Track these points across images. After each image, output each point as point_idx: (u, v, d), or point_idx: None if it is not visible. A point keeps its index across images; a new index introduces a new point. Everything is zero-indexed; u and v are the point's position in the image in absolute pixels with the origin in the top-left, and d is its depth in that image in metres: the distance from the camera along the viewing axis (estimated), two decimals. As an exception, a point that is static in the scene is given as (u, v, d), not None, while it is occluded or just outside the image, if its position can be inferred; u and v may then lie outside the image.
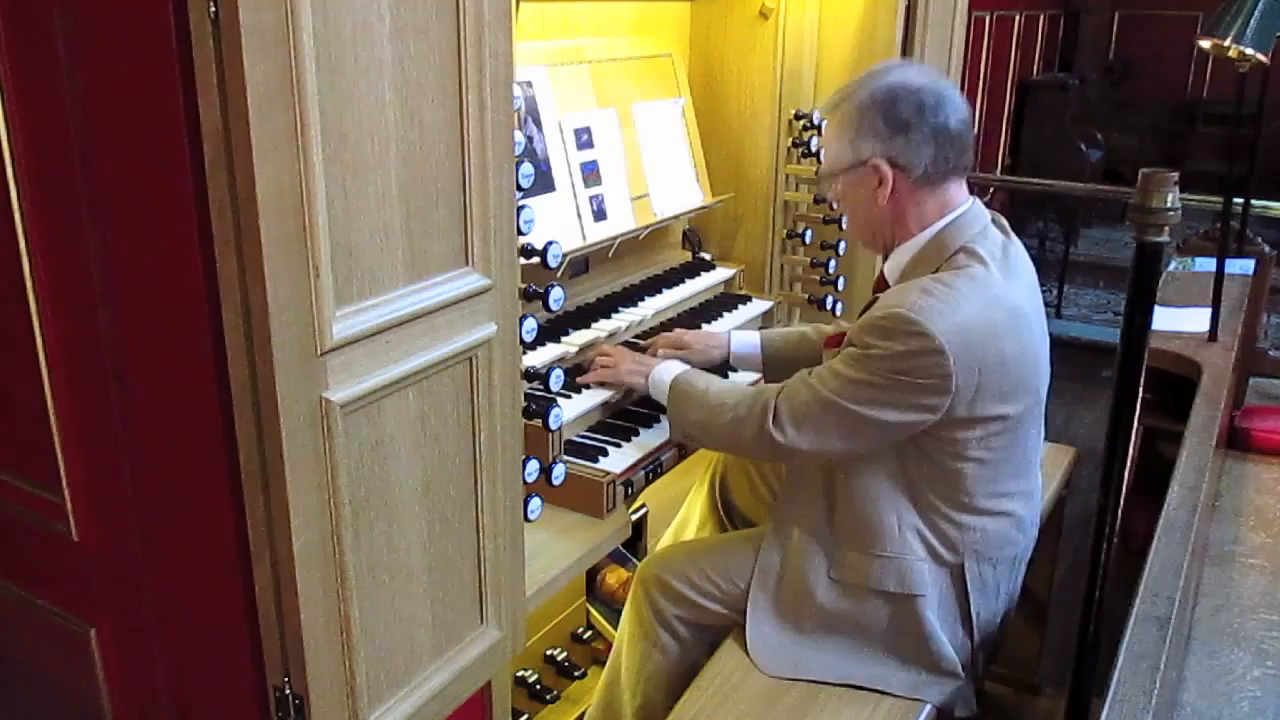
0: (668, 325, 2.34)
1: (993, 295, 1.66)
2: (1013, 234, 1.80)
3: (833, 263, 2.65)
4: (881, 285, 1.85)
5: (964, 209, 1.75)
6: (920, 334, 1.59)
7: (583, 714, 2.27)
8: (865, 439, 1.70)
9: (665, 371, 1.94)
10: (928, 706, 1.79)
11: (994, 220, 1.79)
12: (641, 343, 2.19)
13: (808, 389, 1.72)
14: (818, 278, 2.67)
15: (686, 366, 1.97)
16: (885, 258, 1.85)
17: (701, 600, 1.91)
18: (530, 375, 1.74)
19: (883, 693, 1.80)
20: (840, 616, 1.83)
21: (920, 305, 1.61)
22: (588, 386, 2.00)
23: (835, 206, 1.93)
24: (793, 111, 2.60)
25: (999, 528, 1.81)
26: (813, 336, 2.18)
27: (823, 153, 1.86)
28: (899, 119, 1.70)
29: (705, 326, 2.36)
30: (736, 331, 2.23)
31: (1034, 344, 1.74)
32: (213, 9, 1.01)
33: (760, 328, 2.53)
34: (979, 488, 1.76)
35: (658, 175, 2.44)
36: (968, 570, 1.80)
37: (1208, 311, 2.98)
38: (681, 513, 2.42)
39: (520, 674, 2.18)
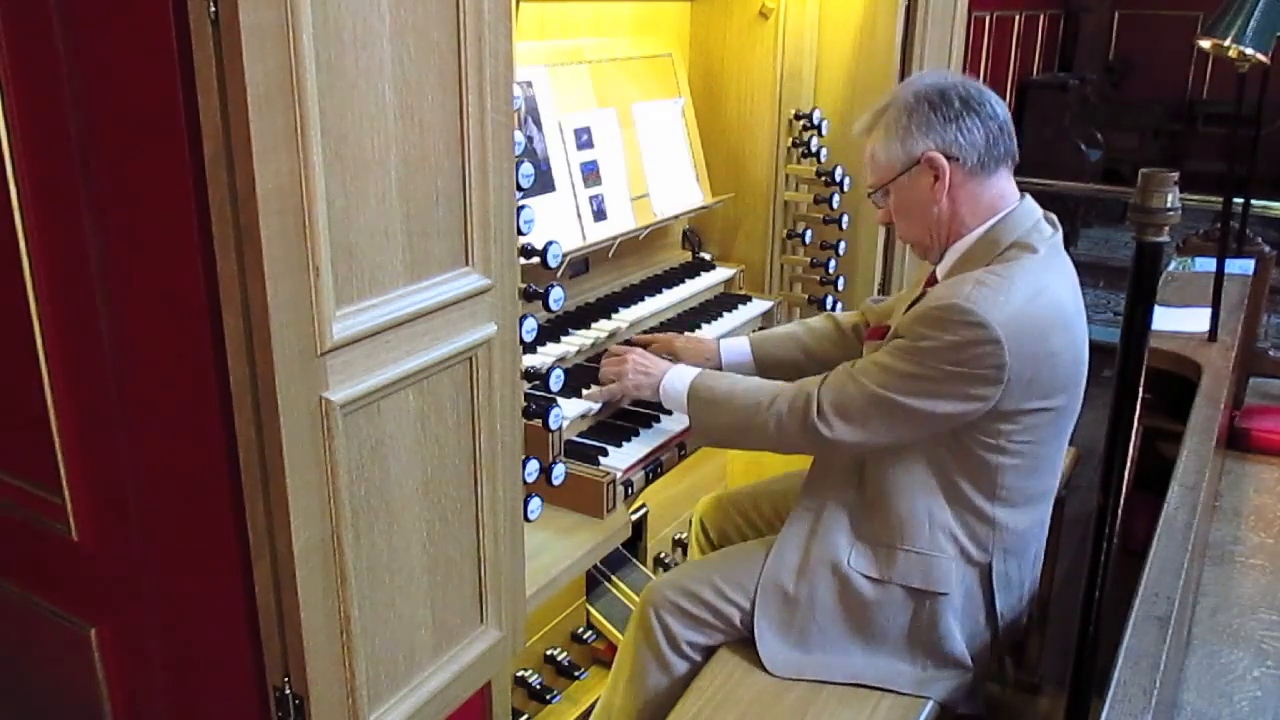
0: (668, 325, 2.34)
1: (1043, 286, 1.66)
2: (1060, 229, 1.79)
3: (833, 263, 2.65)
4: (932, 281, 1.83)
5: (1016, 205, 1.76)
6: (977, 324, 1.59)
7: (583, 713, 2.27)
8: (912, 430, 1.70)
9: (678, 380, 1.90)
10: (929, 704, 1.79)
11: (1045, 216, 1.79)
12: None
13: (854, 383, 1.70)
14: (818, 278, 2.67)
15: (696, 370, 1.93)
16: (939, 260, 1.82)
17: (713, 619, 1.86)
18: (530, 375, 1.74)
19: (885, 690, 1.80)
20: (855, 610, 1.81)
21: (975, 296, 1.61)
22: (587, 387, 2.00)
23: (889, 220, 1.87)
24: (793, 111, 2.60)
25: (1028, 525, 1.81)
26: (803, 335, 2.16)
27: (869, 167, 1.83)
28: (949, 109, 1.71)
29: (704, 327, 2.36)
30: (725, 340, 2.19)
31: (1078, 340, 1.73)
32: (213, 9, 1.01)
33: (760, 328, 2.54)
34: (1015, 482, 1.75)
35: (658, 175, 2.44)
36: (994, 569, 1.80)
37: (1208, 311, 2.97)
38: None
39: (520, 674, 2.17)
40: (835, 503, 1.84)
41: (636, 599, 2.25)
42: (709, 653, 1.89)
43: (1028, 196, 1.79)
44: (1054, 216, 1.81)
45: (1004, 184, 1.76)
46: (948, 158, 1.71)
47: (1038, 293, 1.64)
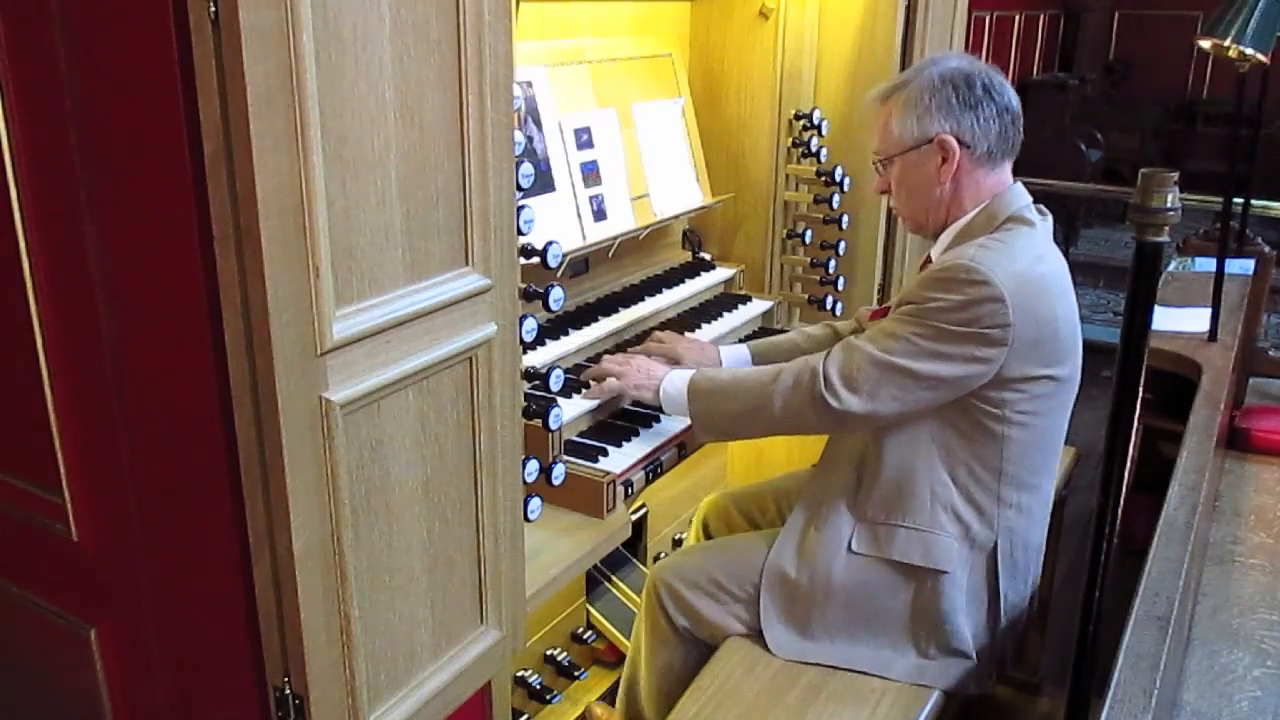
0: (668, 325, 2.34)
1: (1041, 253, 1.72)
2: (1050, 217, 1.84)
3: (833, 263, 2.65)
4: (929, 263, 1.85)
5: (1009, 187, 1.81)
6: (981, 282, 1.62)
7: (583, 714, 2.28)
8: (919, 398, 1.70)
9: (678, 379, 1.90)
10: (932, 698, 1.79)
11: (1035, 205, 1.83)
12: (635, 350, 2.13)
13: (859, 351, 1.71)
14: (818, 278, 2.67)
15: (692, 371, 1.93)
16: (934, 238, 1.87)
17: (712, 610, 1.89)
18: (530, 375, 1.74)
19: (888, 680, 1.80)
20: (855, 592, 1.81)
21: (979, 256, 1.65)
22: (587, 386, 2.00)
23: (887, 190, 1.91)
24: (793, 111, 2.60)
25: (1031, 505, 1.81)
26: (801, 342, 2.15)
27: (879, 135, 1.86)
28: (971, 96, 1.75)
29: (704, 326, 2.36)
30: (725, 347, 2.19)
31: (1075, 315, 1.77)
32: (213, 9, 1.01)
33: (760, 327, 2.54)
34: (1019, 456, 1.76)
35: (658, 175, 2.44)
36: (1000, 551, 1.80)
37: (1208, 311, 2.97)
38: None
39: (520, 674, 2.18)
40: (838, 486, 1.86)
41: (637, 599, 2.27)
42: (709, 643, 1.92)
43: (1018, 182, 1.84)
44: (1043, 206, 1.86)
45: (1004, 173, 1.82)
46: (960, 143, 1.75)
47: (1038, 258, 1.70)
